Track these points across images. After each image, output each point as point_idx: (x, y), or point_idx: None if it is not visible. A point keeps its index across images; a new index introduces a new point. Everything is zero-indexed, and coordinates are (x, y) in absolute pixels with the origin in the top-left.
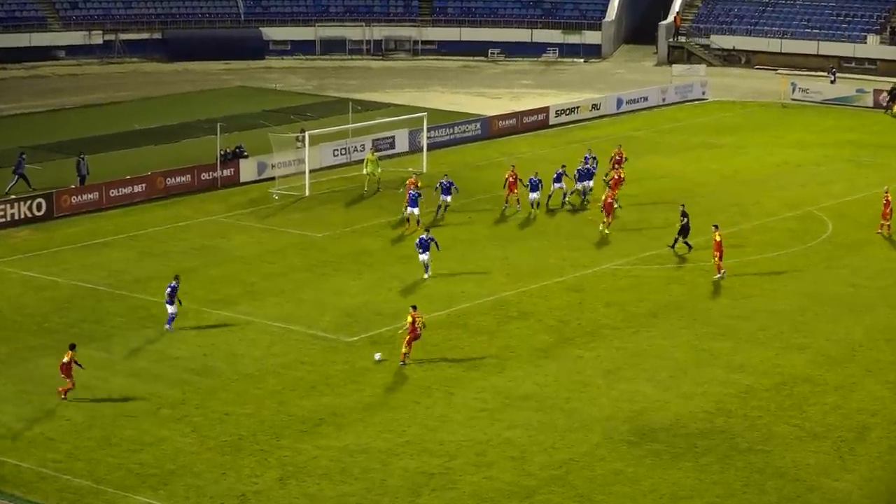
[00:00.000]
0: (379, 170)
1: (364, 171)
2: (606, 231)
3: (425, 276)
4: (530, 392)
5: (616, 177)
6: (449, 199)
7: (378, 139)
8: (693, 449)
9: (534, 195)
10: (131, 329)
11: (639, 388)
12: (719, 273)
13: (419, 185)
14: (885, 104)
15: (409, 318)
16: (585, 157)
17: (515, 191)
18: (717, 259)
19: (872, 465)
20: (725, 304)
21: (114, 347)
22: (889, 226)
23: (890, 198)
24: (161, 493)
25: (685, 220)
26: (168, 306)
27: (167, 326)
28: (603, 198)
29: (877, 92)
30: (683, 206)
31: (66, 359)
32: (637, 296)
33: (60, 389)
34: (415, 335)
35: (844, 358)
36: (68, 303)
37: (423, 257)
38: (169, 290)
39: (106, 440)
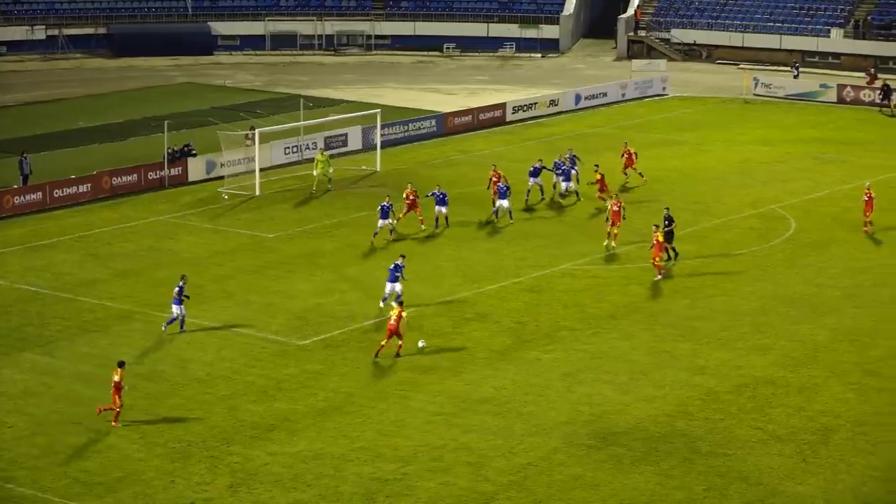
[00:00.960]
0: (331, 169)
1: (314, 172)
2: (613, 245)
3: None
4: (488, 396)
5: (600, 177)
6: (445, 210)
7: (330, 137)
8: (654, 453)
9: (503, 202)
10: (77, 333)
11: (598, 391)
12: (659, 274)
13: (416, 195)
14: (879, 101)
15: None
16: (569, 157)
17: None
18: (656, 260)
19: (836, 468)
20: (686, 305)
21: (58, 352)
22: (871, 223)
23: (872, 194)
24: (108, 501)
25: (670, 224)
26: (174, 306)
27: (163, 327)
28: (608, 207)
29: (840, 87)
30: (668, 209)
31: (116, 377)
32: (596, 297)
33: (103, 408)
34: (395, 330)
35: (807, 359)
36: (11, 307)
37: (394, 287)
38: (176, 290)
39: (50, 448)
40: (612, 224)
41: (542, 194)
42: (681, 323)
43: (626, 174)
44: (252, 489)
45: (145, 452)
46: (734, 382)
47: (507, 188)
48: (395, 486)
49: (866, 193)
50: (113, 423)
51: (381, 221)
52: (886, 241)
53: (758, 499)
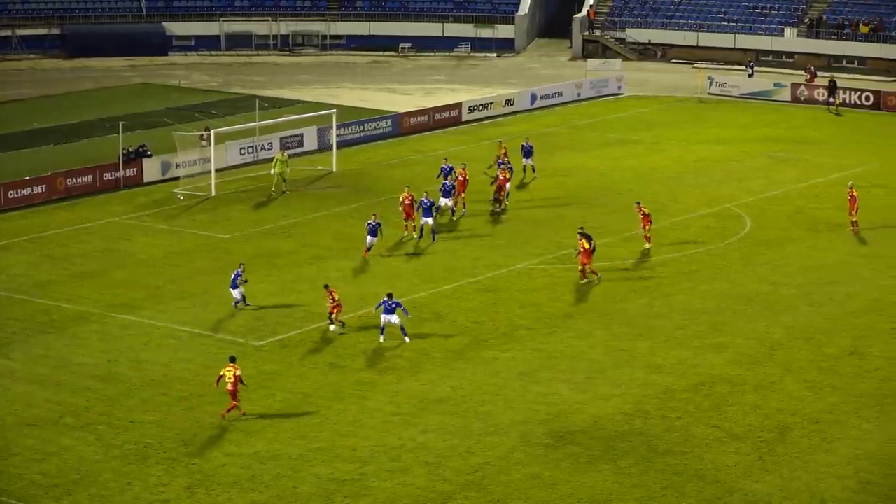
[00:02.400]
0: (288, 170)
1: (272, 171)
2: (648, 246)
3: (405, 339)
4: (445, 395)
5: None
6: (430, 220)
7: (286, 137)
8: (611, 451)
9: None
10: (32, 335)
11: (555, 390)
12: (584, 278)
13: (412, 199)
14: (827, 100)
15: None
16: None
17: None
18: (585, 266)
19: (793, 465)
20: (642, 304)
21: (14, 354)
22: (857, 222)
23: (855, 193)
24: (65, 503)
25: (586, 241)
26: (232, 291)
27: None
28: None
29: (794, 86)
30: (582, 228)
31: (233, 375)
32: (552, 296)
33: (228, 412)
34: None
35: (764, 357)
36: None
37: (391, 319)
38: (233, 276)
39: (6, 450)
40: (644, 226)
41: (535, 173)
42: (637, 321)
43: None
44: (210, 490)
45: (102, 454)
46: (691, 381)
47: (432, 202)
48: (353, 486)
49: (850, 193)
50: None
51: (369, 239)
52: (840, 239)
53: (715, 497)
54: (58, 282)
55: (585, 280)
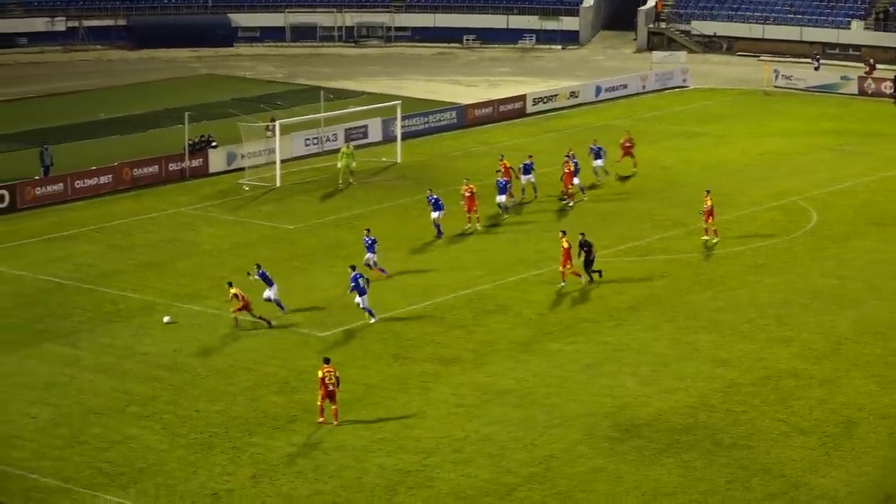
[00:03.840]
0: (354, 163)
1: (338, 165)
2: (714, 239)
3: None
4: (509, 387)
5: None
6: (437, 215)
7: (351, 129)
8: (676, 444)
9: (502, 197)
10: (98, 324)
11: (620, 383)
12: (564, 281)
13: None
14: (891, 92)
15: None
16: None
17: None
18: (568, 267)
19: (859, 460)
20: (708, 297)
21: (81, 343)
22: None
23: None
24: (131, 492)
25: (586, 249)
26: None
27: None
28: (708, 206)
29: (861, 79)
30: (583, 234)
31: (333, 375)
32: (617, 288)
33: (323, 418)
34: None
35: (830, 351)
36: (33, 298)
37: (358, 301)
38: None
39: (74, 438)
40: (707, 219)
41: (535, 192)
42: (703, 315)
43: (620, 162)
44: (274, 480)
45: (168, 443)
46: (757, 374)
47: (507, 182)
48: (417, 477)
49: None
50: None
51: (368, 255)
52: None
53: (780, 491)
54: (124, 271)
55: (563, 283)
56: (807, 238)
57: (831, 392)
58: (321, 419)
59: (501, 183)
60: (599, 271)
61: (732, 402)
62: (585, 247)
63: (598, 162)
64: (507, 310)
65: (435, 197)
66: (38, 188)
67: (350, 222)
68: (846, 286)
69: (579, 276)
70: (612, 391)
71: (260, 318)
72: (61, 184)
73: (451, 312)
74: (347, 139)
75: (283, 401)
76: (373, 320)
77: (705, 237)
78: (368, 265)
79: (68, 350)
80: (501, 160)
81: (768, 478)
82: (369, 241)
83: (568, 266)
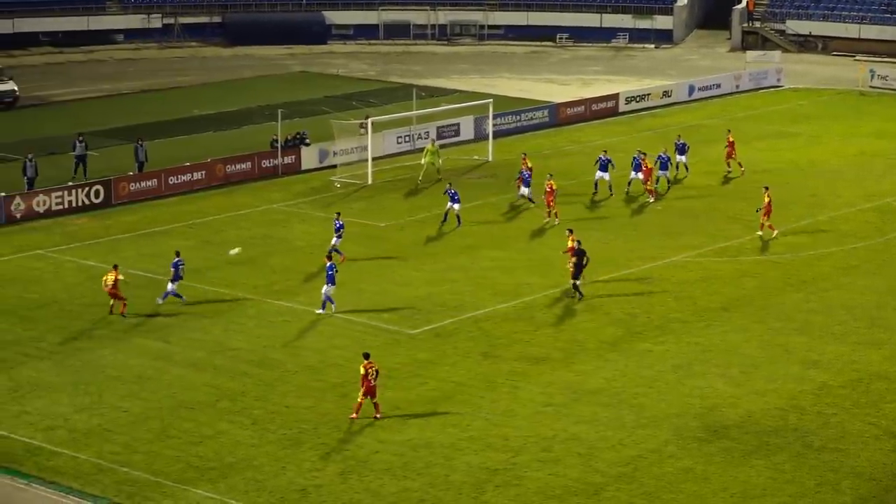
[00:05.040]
0: (440, 161)
1: (422, 161)
2: (773, 234)
3: (318, 311)
4: (598, 387)
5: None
6: (457, 207)
7: (442, 126)
8: (765, 446)
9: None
10: (190, 319)
11: (709, 384)
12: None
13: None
14: None
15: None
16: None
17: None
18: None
19: None
20: (799, 299)
21: (172, 338)
22: None
23: None
24: (220, 487)
25: (579, 258)
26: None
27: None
28: (766, 202)
29: None
30: (579, 242)
31: (375, 370)
32: (708, 289)
33: (357, 415)
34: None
35: None
36: (126, 292)
37: (326, 289)
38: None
39: (164, 432)
40: (766, 215)
41: (687, 171)
42: (794, 316)
43: (728, 164)
44: (363, 477)
45: (257, 438)
46: (848, 377)
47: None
48: (505, 475)
49: None
50: (376, 415)
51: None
52: None
53: (871, 494)
54: (215, 267)
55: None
56: None
57: None
58: (355, 415)
59: (526, 175)
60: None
61: (823, 405)
62: (578, 255)
63: (682, 158)
64: (597, 309)
65: (453, 191)
66: (133, 184)
67: (441, 220)
68: None
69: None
70: (701, 392)
71: None
72: (155, 179)
73: (540, 311)
74: (438, 136)
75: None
76: (321, 311)
77: (760, 232)
78: (336, 250)
79: (159, 344)
80: (524, 158)
81: (859, 481)
82: (338, 225)
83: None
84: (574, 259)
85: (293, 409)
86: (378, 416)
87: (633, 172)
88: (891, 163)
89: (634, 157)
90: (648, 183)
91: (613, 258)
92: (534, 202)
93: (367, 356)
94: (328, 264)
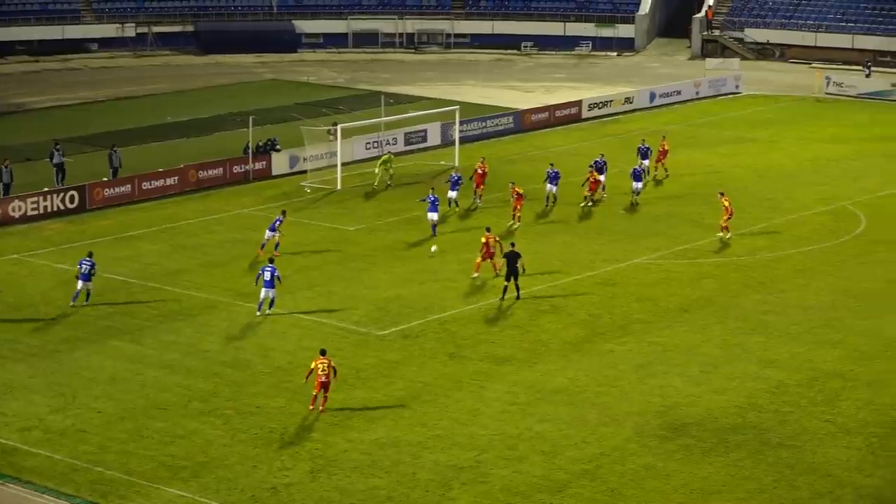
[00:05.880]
0: (392, 170)
1: (375, 170)
2: (726, 235)
3: (258, 313)
4: (561, 386)
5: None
6: (454, 194)
7: (410, 133)
8: (724, 444)
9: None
10: (163, 321)
11: (670, 383)
12: (477, 273)
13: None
14: None
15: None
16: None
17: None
18: (494, 266)
19: None
20: (757, 300)
21: (145, 340)
22: None
23: None
24: (192, 486)
25: (510, 261)
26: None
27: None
28: (726, 205)
29: None
30: (514, 244)
31: (327, 367)
32: (668, 290)
33: (322, 408)
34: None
35: (877, 353)
36: (100, 295)
37: (268, 293)
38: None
39: (137, 432)
40: (728, 217)
41: (554, 201)
42: (752, 317)
43: (656, 168)
44: (332, 475)
45: (229, 438)
46: (804, 375)
47: (557, 174)
48: (471, 473)
49: None
50: (314, 407)
51: (268, 233)
52: None
53: (826, 490)
54: (188, 270)
55: (476, 275)
56: (855, 242)
57: (878, 393)
58: (312, 406)
59: (454, 178)
60: (518, 294)
61: (780, 403)
62: (510, 257)
63: (645, 162)
64: (560, 310)
65: (434, 197)
66: (107, 189)
67: (410, 224)
68: (894, 290)
69: (497, 270)
70: (662, 391)
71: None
72: (129, 185)
73: (506, 312)
74: (405, 142)
75: (341, 398)
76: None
77: (720, 234)
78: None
79: (133, 346)
80: (482, 162)
81: (815, 477)
82: (279, 221)
83: (487, 260)
84: (505, 260)
85: (264, 409)
86: (322, 409)
87: (634, 181)
88: (846, 167)
89: (639, 155)
90: (594, 192)
91: (577, 260)
92: (458, 206)
93: (323, 353)
94: (270, 266)
